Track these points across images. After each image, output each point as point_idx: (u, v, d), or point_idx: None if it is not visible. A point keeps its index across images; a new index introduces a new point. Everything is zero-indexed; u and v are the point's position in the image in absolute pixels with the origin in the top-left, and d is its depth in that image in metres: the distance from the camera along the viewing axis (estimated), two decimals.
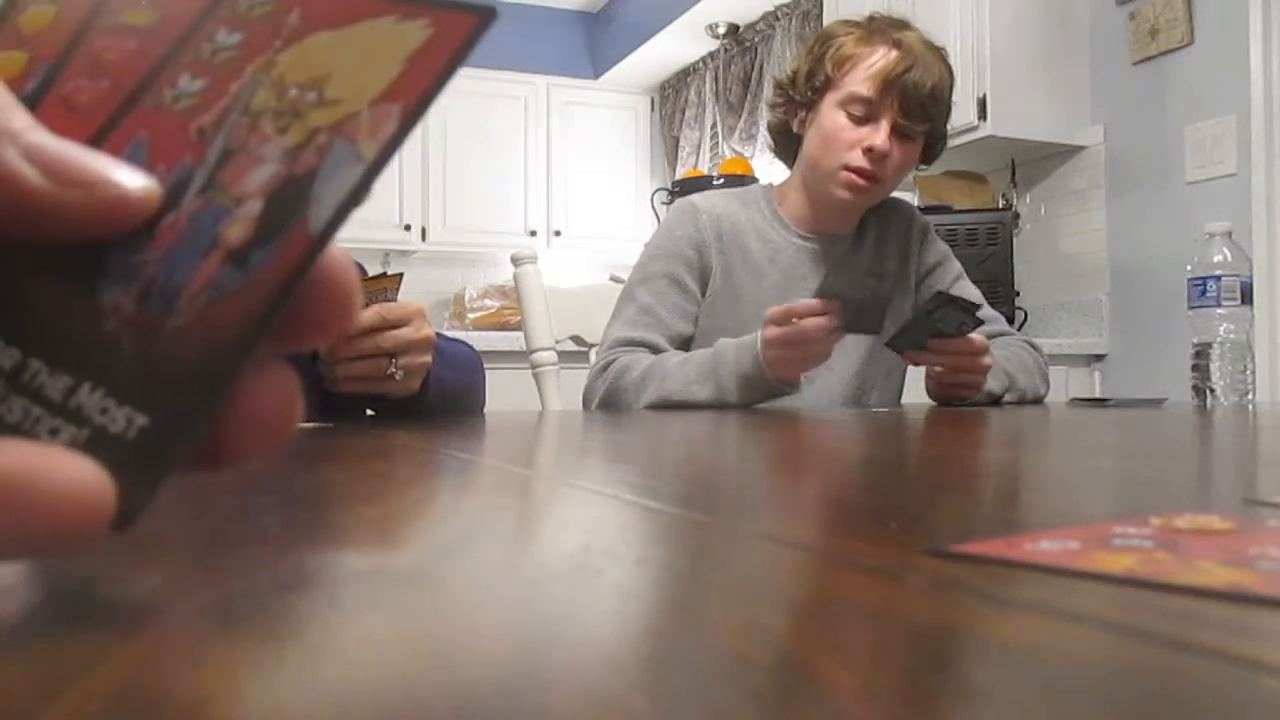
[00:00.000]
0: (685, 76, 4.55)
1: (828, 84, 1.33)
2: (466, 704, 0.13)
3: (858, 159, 1.30)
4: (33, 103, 0.19)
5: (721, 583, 0.21)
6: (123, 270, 0.17)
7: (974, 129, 2.70)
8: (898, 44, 1.30)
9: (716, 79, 4.28)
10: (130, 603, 0.19)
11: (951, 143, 2.72)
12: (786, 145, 1.44)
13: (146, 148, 0.19)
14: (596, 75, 4.72)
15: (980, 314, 1.46)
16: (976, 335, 1.21)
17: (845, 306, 1.14)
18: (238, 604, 0.18)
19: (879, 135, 1.29)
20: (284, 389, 0.18)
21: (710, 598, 0.19)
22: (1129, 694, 0.13)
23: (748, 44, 4.10)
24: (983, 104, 2.68)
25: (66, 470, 0.15)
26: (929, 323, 1.17)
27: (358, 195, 0.17)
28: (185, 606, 0.19)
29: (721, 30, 4.10)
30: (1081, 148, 2.77)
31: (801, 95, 1.36)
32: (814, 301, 1.15)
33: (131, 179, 0.17)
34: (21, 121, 0.17)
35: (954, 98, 1.38)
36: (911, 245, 1.45)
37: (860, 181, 1.31)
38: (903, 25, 1.34)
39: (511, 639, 0.16)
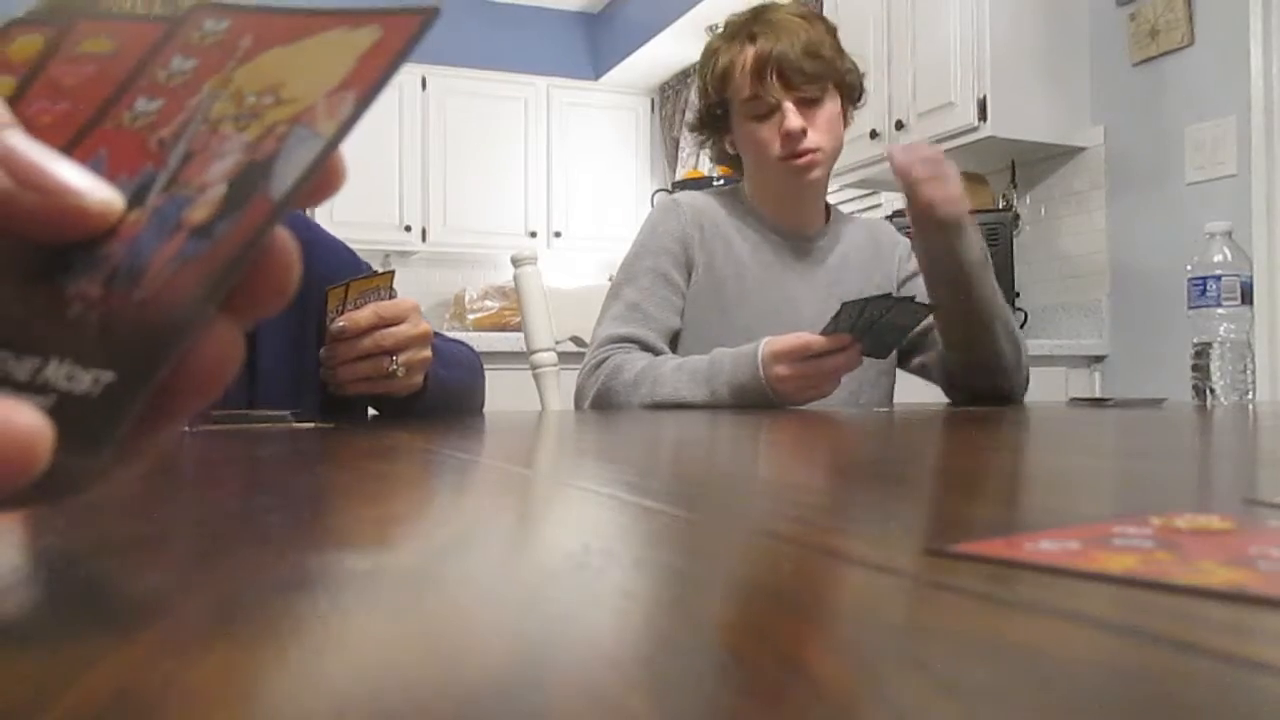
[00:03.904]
0: (685, 77, 4.55)
1: (724, 105, 1.39)
2: (466, 704, 0.13)
3: (783, 148, 1.35)
4: None
5: (721, 582, 0.21)
6: (86, 264, 0.18)
7: (974, 130, 2.71)
8: (752, 36, 1.34)
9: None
10: (130, 603, 0.19)
11: (951, 144, 2.76)
12: (735, 165, 1.48)
13: (106, 162, 0.19)
14: (597, 76, 4.72)
15: None
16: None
17: (861, 339, 1.16)
18: (238, 604, 0.18)
19: (787, 119, 1.33)
20: (225, 346, 0.18)
21: (710, 597, 0.19)
22: (1129, 694, 0.13)
23: None
24: (983, 105, 2.68)
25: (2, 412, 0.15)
26: (887, 325, 1.19)
27: (314, 168, 0.18)
28: (185, 606, 0.19)
29: (721, 31, 4.10)
30: (1081, 148, 2.77)
31: (713, 125, 1.42)
32: (826, 340, 1.16)
33: (94, 191, 0.18)
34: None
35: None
36: (892, 255, 1.47)
37: (798, 162, 1.35)
38: (758, 13, 1.38)
39: (511, 639, 0.16)
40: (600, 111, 4.69)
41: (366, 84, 0.18)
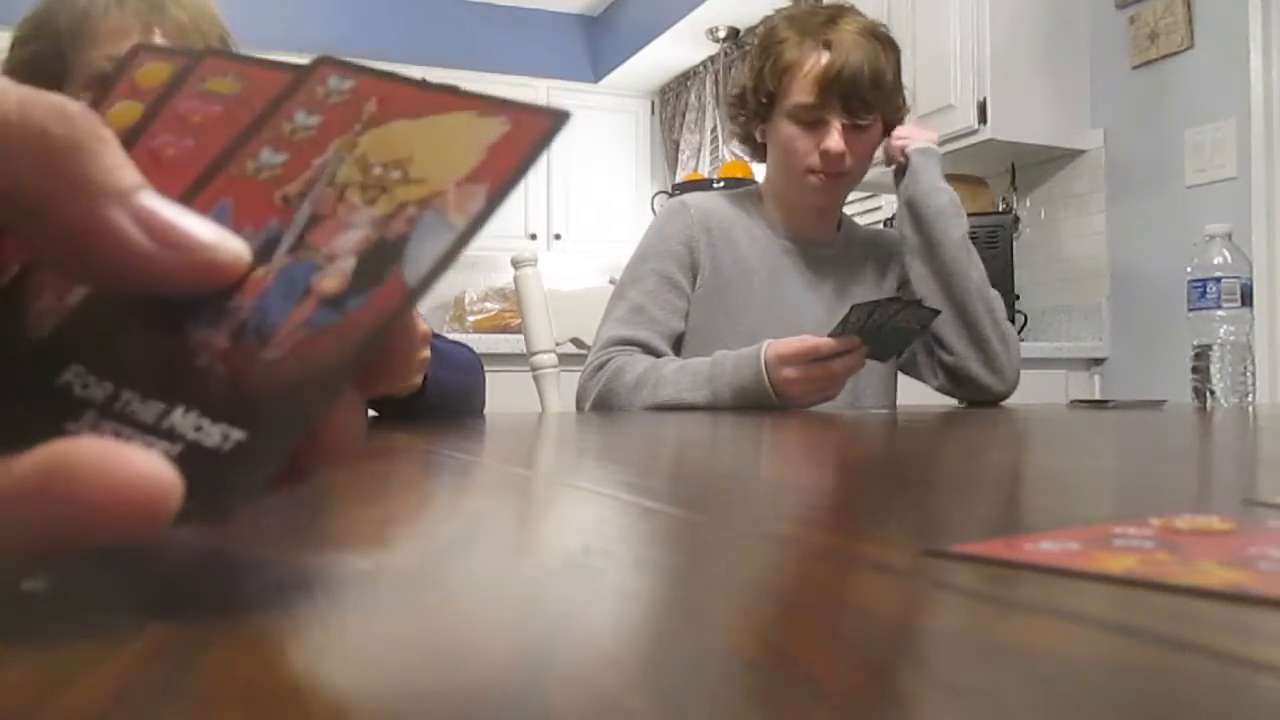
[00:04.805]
0: (685, 80, 4.55)
1: (774, 96, 1.37)
2: (466, 704, 0.13)
3: (817, 163, 1.35)
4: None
5: (721, 583, 0.21)
6: (213, 315, 0.19)
7: (974, 132, 2.71)
8: (828, 44, 1.33)
9: (717, 82, 4.28)
10: (130, 603, 0.19)
11: (951, 146, 2.77)
12: (755, 151, 1.47)
13: (231, 211, 0.20)
14: (597, 79, 4.72)
15: None
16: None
17: (864, 339, 1.16)
18: (238, 604, 0.18)
19: (831, 138, 1.33)
20: (352, 415, 0.19)
21: (710, 598, 0.19)
22: (1129, 694, 0.13)
23: (748, 48, 4.09)
24: (983, 108, 2.68)
25: (132, 460, 0.15)
26: (895, 327, 1.19)
27: (449, 259, 0.18)
28: (185, 606, 0.19)
29: (722, 34, 4.11)
30: (1081, 151, 2.77)
31: (754, 110, 1.41)
32: (834, 342, 1.16)
33: (225, 245, 0.19)
34: (130, 180, 0.18)
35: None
36: (892, 264, 1.47)
37: (825, 181, 1.36)
38: (835, 17, 1.36)
39: (511, 639, 0.16)
40: (600, 114, 4.69)
41: (497, 180, 0.19)
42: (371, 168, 0.20)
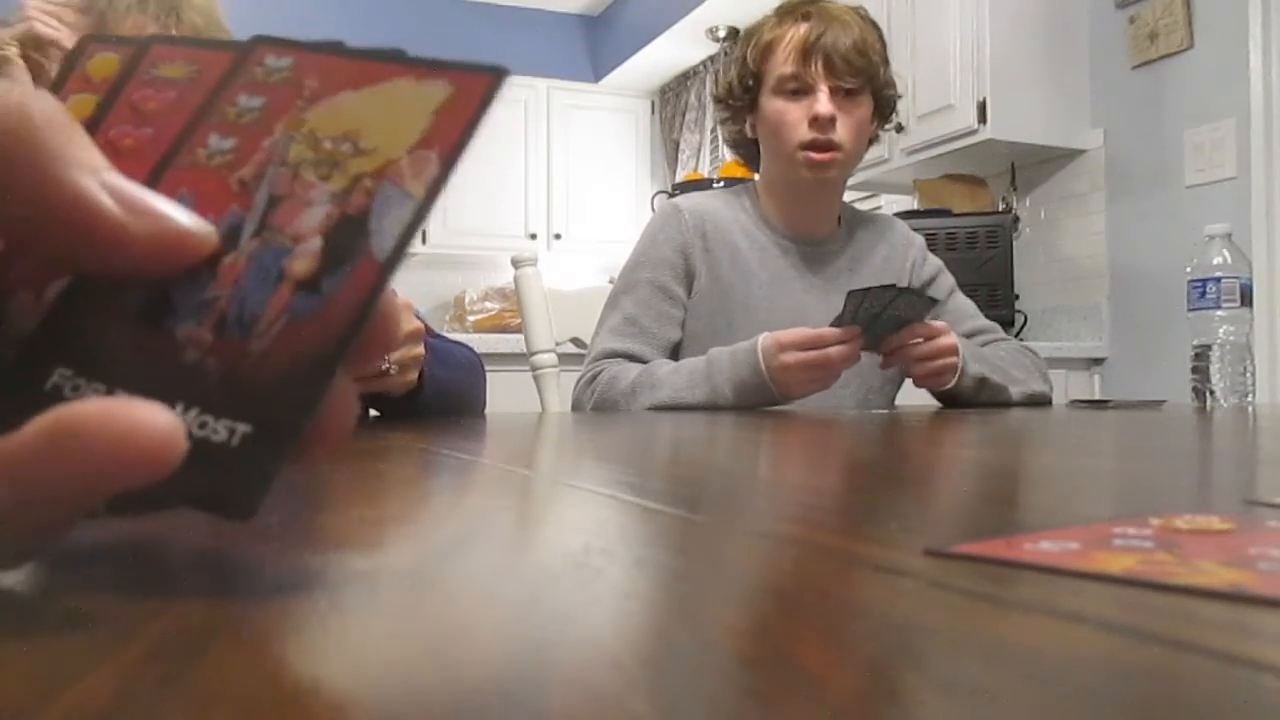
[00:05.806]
0: (685, 80, 4.55)
1: (759, 78, 1.36)
2: (466, 704, 0.13)
3: (808, 133, 1.32)
4: None
5: (721, 582, 0.21)
6: (192, 307, 0.19)
7: (974, 132, 2.71)
8: (806, 16, 1.33)
9: (716, 82, 4.28)
10: (130, 603, 0.19)
11: (951, 146, 2.77)
12: (749, 154, 1.45)
13: (191, 202, 0.20)
14: (597, 78, 4.72)
15: (976, 324, 1.45)
16: (934, 321, 1.22)
17: (865, 331, 1.16)
18: (238, 604, 0.18)
19: (820, 102, 1.31)
20: (345, 398, 0.19)
21: (710, 598, 0.19)
22: (1129, 694, 0.13)
23: None
24: (983, 107, 2.68)
25: (134, 410, 0.16)
26: (889, 319, 1.18)
27: (413, 229, 0.18)
28: (185, 606, 0.19)
29: (722, 33, 4.11)
30: (1081, 151, 2.78)
31: (740, 100, 1.39)
32: (838, 331, 1.15)
33: (194, 220, 0.19)
34: (99, 161, 0.19)
35: (889, 55, 1.40)
36: (904, 261, 1.45)
37: (818, 156, 1.32)
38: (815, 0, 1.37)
39: (511, 639, 0.16)
40: (600, 114, 4.69)
41: (447, 145, 0.19)
42: (322, 143, 0.20)
